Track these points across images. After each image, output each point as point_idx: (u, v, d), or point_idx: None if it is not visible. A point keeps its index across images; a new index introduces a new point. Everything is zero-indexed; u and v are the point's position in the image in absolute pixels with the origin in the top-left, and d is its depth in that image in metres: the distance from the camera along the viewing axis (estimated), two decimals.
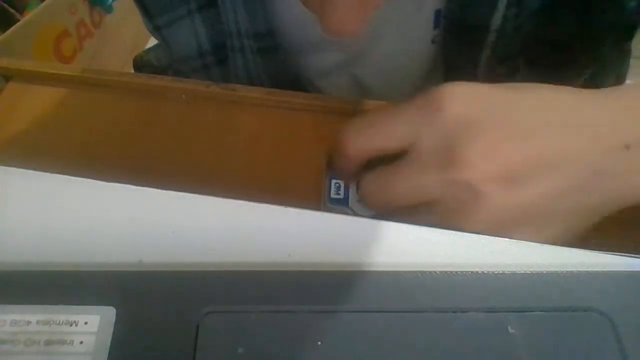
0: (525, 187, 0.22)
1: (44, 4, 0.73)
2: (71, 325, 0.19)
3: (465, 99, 0.24)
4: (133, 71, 0.57)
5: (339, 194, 0.31)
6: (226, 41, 0.41)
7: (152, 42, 0.56)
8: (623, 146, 0.22)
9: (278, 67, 0.42)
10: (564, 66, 0.40)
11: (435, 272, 0.21)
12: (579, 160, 0.22)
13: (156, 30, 0.44)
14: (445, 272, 0.21)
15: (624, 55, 0.47)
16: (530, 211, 0.23)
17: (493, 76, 0.39)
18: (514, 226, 0.23)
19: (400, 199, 0.25)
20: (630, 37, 0.43)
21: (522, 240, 0.23)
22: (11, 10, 0.88)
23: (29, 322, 0.19)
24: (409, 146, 0.25)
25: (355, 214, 0.30)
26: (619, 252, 0.23)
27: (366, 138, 0.26)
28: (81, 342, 0.19)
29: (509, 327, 0.20)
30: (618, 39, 0.40)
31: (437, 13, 0.38)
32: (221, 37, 0.41)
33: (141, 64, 0.56)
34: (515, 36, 0.36)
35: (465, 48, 0.38)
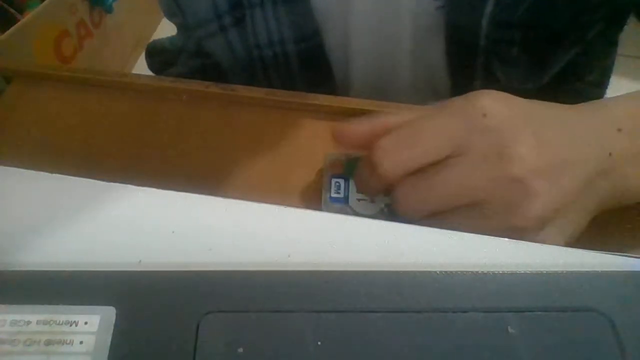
0: (562, 180, 0.25)
1: (44, 4, 0.73)
2: (71, 325, 0.19)
3: (505, 104, 0.26)
4: (144, 59, 0.57)
5: (339, 193, 0.31)
6: None
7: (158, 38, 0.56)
8: (608, 154, 0.26)
9: (301, 19, 0.40)
10: (551, 51, 0.41)
11: (435, 272, 0.21)
12: (588, 163, 0.26)
13: None
14: (445, 272, 0.21)
15: (611, 47, 0.47)
16: (564, 202, 0.25)
17: (492, 47, 0.39)
18: (551, 222, 0.25)
19: (444, 201, 0.26)
20: (618, 27, 0.43)
21: (564, 232, 0.25)
22: (11, 10, 0.88)
23: (29, 322, 0.19)
24: (452, 152, 0.25)
25: (355, 212, 0.30)
26: (619, 252, 0.23)
27: (405, 157, 0.26)
28: (81, 342, 0.19)
29: (509, 327, 0.20)
30: (606, 27, 0.41)
31: None
32: None
33: (153, 50, 0.56)
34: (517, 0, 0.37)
35: (467, 5, 0.38)
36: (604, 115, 0.28)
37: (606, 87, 0.51)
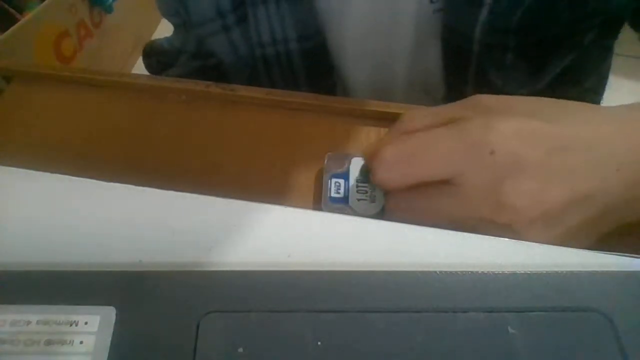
0: (560, 225, 0.24)
1: (44, 4, 0.73)
2: (71, 325, 0.19)
3: (514, 140, 0.25)
4: (142, 60, 0.57)
5: (339, 193, 0.31)
6: None
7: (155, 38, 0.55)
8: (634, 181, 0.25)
9: (304, 18, 0.41)
10: (546, 58, 0.41)
11: (435, 272, 0.21)
12: (603, 195, 0.25)
13: None
14: (445, 272, 0.21)
15: (606, 53, 0.47)
16: (556, 243, 0.24)
17: (485, 52, 0.39)
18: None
19: (435, 223, 0.25)
20: (614, 33, 0.43)
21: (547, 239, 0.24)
22: (11, 10, 0.88)
23: (29, 322, 0.19)
24: (451, 178, 0.25)
25: (355, 213, 0.30)
26: (619, 252, 0.23)
27: (405, 170, 0.26)
28: (81, 342, 0.19)
29: (509, 327, 0.20)
30: (601, 32, 0.41)
31: None
32: None
33: (151, 51, 0.56)
34: (512, 5, 0.36)
35: (463, 8, 0.38)
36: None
37: (602, 94, 0.51)
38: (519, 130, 0.25)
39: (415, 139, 0.27)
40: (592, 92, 0.49)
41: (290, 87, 0.39)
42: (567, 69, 0.43)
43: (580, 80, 0.47)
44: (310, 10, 0.40)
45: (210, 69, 0.48)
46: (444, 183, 0.25)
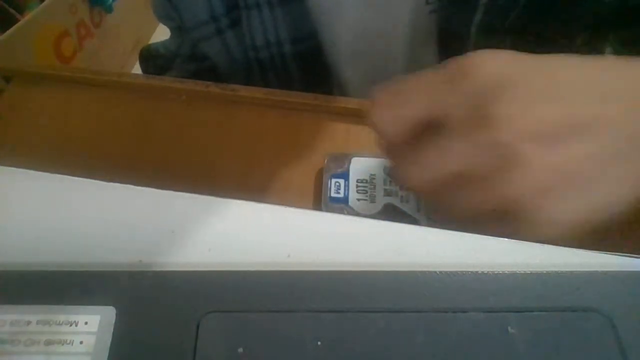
0: (563, 147, 0.21)
1: (44, 4, 0.73)
2: (71, 325, 0.19)
3: (494, 63, 0.23)
4: (139, 63, 0.57)
5: (339, 193, 0.31)
6: (239, 1, 0.40)
7: (153, 41, 0.55)
8: None
9: (298, 21, 0.40)
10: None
11: (435, 272, 0.21)
12: (612, 125, 0.22)
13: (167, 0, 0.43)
14: (445, 272, 0.21)
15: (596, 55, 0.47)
16: (570, 175, 0.21)
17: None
18: (555, 193, 0.21)
19: (433, 170, 0.23)
20: (603, 37, 0.43)
21: (567, 213, 0.21)
22: (11, 10, 0.88)
23: (29, 322, 0.19)
24: (440, 117, 0.23)
25: (355, 212, 0.30)
26: (619, 252, 0.23)
27: (392, 108, 0.25)
28: (81, 342, 0.19)
29: (509, 327, 0.20)
30: (593, 34, 0.40)
31: None
32: None
33: (147, 55, 0.56)
34: (507, 5, 0.36)
35: (458, 8, 0.38)
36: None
37: None
38: (495, 55, 0.23)
39: (398, 83, 0.25)
40: None
41: (285, 89, 0.39)
42: None
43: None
44: (304, 13, 0.40)
45: (205, 72, 0.48)
46: (439, 129, 0.23)
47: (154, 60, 0.55)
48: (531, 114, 0.22)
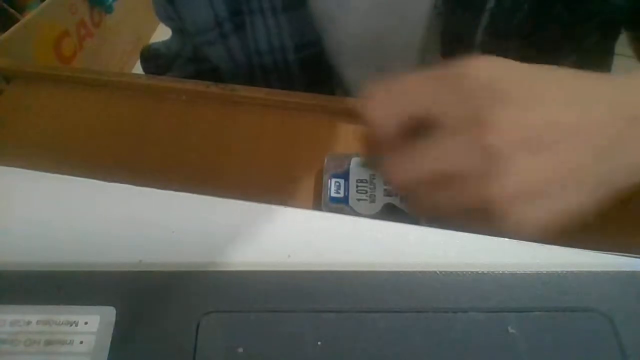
0: (548, 152, 0.22)
1: (44, 4, 0.73)
2: (71, 325, 0.19)
3: (490, 68, 0.24)
4: (139, 63, 0.57)
5: (339, 193, 0.31)
6: (242, 6, 0.40)
7: (153, 41, 0.55)
8: (633, 117, 0.23)
9: (301, 27, 0.40)
10: (547, 60, 0.41)
11: (435, 272, 0.21)
12: (597, 129, 0.23)
13: (170, 4, 0.43)
14: (445, 272, 0.21)
15: (606, 55, 0.47)
16: (554, 178, 0.23)
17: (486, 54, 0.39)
18: (533, 196, 0.22)
19: (421, 169, 0.24)
20: (614, 35, 0.43)
21: (537, 217, 0.22)
22: (11, 10, 0.88)
23: (29, 322, 0.19)
24: (433, 117, 0.24)
25: (355, 212, 0.30)
26: (619, 252, 0.23)
27: (389, 103, 0.25)
28: (81, 342, 0.19)
29: (509, 327, 0.20)
30: (602, 35, 0.40)
31: None
32: (237, 2, 0.40)
33: (148, 55, 0.56)
34: (513, 9, 0.36)
35: (465, 13, 0.38)
36: (627, 83, 0.25)
37: None
38: (491, 61, 0.24)
39: (396, 79, 0.26)
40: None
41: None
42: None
43: (583, 53, 0.46)
44: (307, 19, 0.40)
45: (206, 73, 0.48)
46: (429, 128, 0.24)
47: (155, 61, 0.55)
48: (520, 121, 0.23)
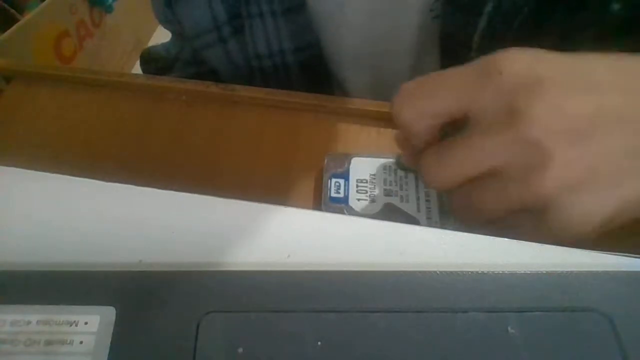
0: (591, 141, 0.22)
1: (44, 4, 0.73)
2: (71, 325, 0.19)
3: (523, 61, 0.23)
4: (139, 66, 0.57)
5: (339, 193, 0.31)
6: (242, 9, 0.40)
7: (153, 42, 0.55)
8: None
9: (301, 30, 0.40)
10: None
11: (435, 272, 0.21)
12: (638, 116, 0.22)
13: (168, 7, 0.43)
14: (445, 272, 0.21)
15: None
16: (599, 168, 0.22)
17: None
18: (584, 186, 0.22)
19: (462, 168, 0.24)
20: (611, 42, 0.43)
21: (598, 207, 0.22)
22: (11, 10, 0.88)
23: (29, 322, 0.19)
24: (468, 113, 0.24)
25: (355, 212, 0.30)
26: (619, 252, 0.22)
27: (420, 101, 0.25)
28: (81, 342, 0.19)
29: (509, 327, 0.20)
30: (599, 41, 0.40)
31: None
32: (237, 6, 0.40)
33: (149, 57, 0.56)
34: (513, 12, 0.36)
35: (462, 16, 0.38)
36: None
37: None
38: (524, 53, 0.24)
39: (427, 77, 0.25)
40: None
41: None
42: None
43: None
44: (307, 22, 0.40)
45: (205, 75, 0.48)
46: (468, 123, 0.24)
47: (155, 63, 0.55)
48: (560, 112, 0.22)
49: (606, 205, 0.22)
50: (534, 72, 0.23)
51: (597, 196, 0.22)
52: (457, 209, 0.26)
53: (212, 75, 0.47)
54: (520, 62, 0.23)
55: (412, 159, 0.29)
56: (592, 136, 0.22)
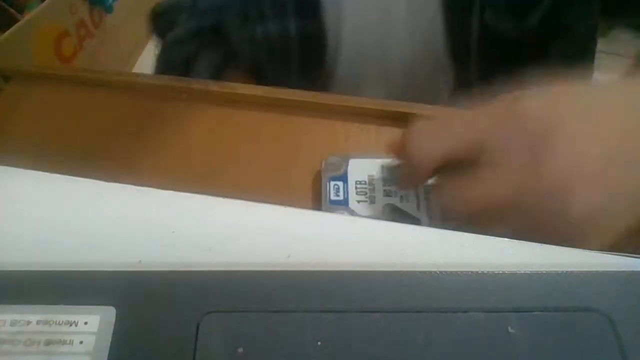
0: (606, 184, 0.23)
1: (44, 4, 0.73)
2: (71, 325, 0.19)
3: (541, 99, 0.24)
4: (150, 22, 0.56)
5: (338, 196, 0.30)
6: None
7: (152, 42, 0.55)
8: None
9: (308, 6, 0.41)
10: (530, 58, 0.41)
11: (435, 272, 0.21)
12: None
13: None
14: (445, 272, 0.21)
15: (588, 53, 0.47)
16: (619, 192, 0.23)
17: (485, 48, 0.40)
18: (604, 208, 0.23)
19: (476, 204, 0.25)
20: (611, 22, 0.44)
21: (596, 239, 0.24)
22: (11, 10, 0.88)
23: (29, 322, 0.19)
24: (481, 151, 0.24)
25: (355, 215, 0.30)
26: (619, 252, 0.23)
27: (435, 140, 0.26)
28: (81, 342, 0.19)
29: (509, 327, 0.20)
30: (586, 35, 0.41)
31: None
32: None
33: (159, 10, 0.56)
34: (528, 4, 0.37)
35: (459, 16, 0.39)
36: None
37: (595, 47, 0.49)
38: (542, 95, 0.25)
39: (441, 116, 0.27)
40: (584, 44, 0.48)
41: (280, 69, 0.40)
42: (550, 11, 0.42)
43: (567, 26, 0.45)
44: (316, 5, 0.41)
45: (206, 33, 0.48)
46: (481, 160, 0.25)
47: (165, 16, 0.55)
48: (579, 159, 0.23)
49: (623, 221, 0.24)
50: (551, 113, 0.24)
51: (615, 219, 0.24)
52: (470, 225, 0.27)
53: (214, 30, 0.47)
54: (536, 101, 0.24)
55: (409, 184, 0.30)
56: (606, 178, 0.23)
